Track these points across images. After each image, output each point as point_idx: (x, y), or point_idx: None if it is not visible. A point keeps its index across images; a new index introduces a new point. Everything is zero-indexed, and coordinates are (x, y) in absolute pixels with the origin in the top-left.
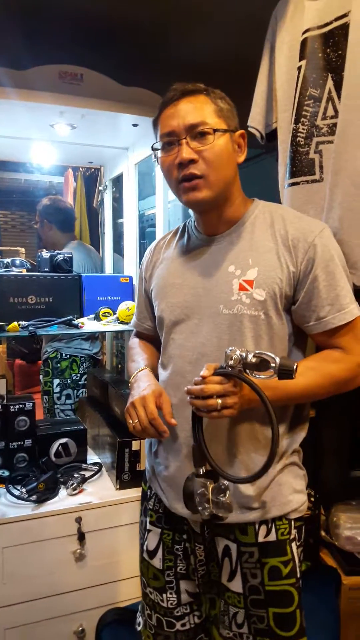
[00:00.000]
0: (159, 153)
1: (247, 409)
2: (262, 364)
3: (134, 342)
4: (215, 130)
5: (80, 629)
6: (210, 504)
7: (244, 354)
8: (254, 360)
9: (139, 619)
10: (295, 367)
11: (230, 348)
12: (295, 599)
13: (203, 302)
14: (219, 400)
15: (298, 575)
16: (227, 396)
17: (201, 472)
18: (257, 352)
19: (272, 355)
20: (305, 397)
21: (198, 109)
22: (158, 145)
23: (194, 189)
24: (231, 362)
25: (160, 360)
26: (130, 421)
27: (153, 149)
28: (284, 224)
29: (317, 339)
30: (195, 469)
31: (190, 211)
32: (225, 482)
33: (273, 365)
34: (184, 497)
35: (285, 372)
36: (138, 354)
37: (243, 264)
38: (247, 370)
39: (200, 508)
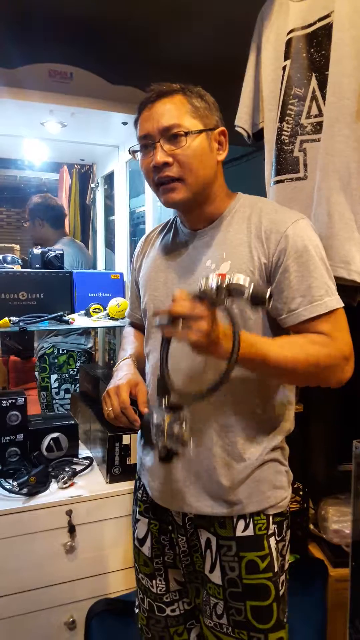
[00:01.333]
0: (137, 155)
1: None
2: (235, 292)
3: (127, 331)
4: (187, 133)
5: (71, 620)
6: (165, 435)
7: (217, 280)
8: (226, 287)
9: (137, 602)
10: (268, 293)
11: (205, 275)
12: (272, 593)
13: None
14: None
15: (276, 569)
16: (195, 320)
17: (163, 405)
18: (231, 277)
19: (246, 283)
20: (282, 367)
21: (172, 111)
22: (136, 148)
23: (171, 191)
24: (204, 288)
25: (144, 352)
26: (105, 408)
27: (131, 151)
28: (260, 216)
29: (294, 331)
30: (157, 399)
31: None
32: (182, 414)
33: (246, 293)
34: (141, 430)
35: (258, 298)
36: (128, 343)
37: (218, 257)
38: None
39: (154, 439)
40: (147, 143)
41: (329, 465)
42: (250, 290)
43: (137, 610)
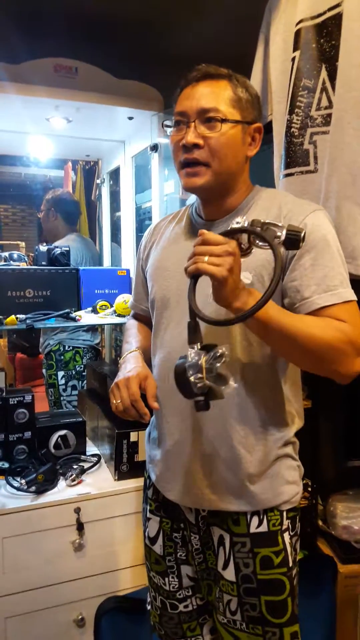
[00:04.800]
0: (169, 130)
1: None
2: (268, 233)
3: (131, 324)
4: (223, 120)
5: (80, 617)
6: (203, 373)
7: (247, 222)
8: (259, 227)
9: (149, 599)
10: (303, 234)
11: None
12: (287, 587)
13: None
14: (206, 258)
15: (290, 564)
16: (220, 256)
17: (196, 348)
18: (262, 221)
19: (279, 224)
20: (291, 337)
21: (214, 94)
22: (169, 123)
23: (195, 175)
24: (235, 226)
25: (152, 344)
26: (114, 401)
27: (164, 125)
28: (279, 206)
29: None
30: (188, 345)
31: (193, 196)
32: (220, 350)
33: (279, 233)
34: (175, 376)
35: (293, 238)
36: (132, 336)
37: None
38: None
39: (192, 380)
40: (181, 120)
41: (337, 461)
42: (285, 231)
43: (149, 607)
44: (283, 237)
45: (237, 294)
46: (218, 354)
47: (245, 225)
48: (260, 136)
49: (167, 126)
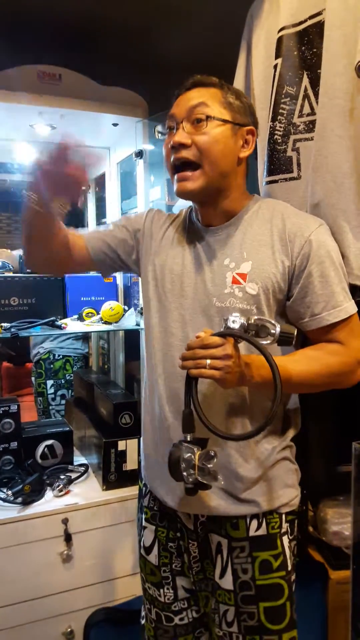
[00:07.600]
0: (163, 137)
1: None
2: (262, 330)
3: None
4: (208, 117)
5: (69, 630)
6: (195, 470)
7: (244, 320)
8: (254, 325)
9: (143, 612)
10: (295, 332)
11: (231, 315)
12: (285, 591)
13: (199, 294)
14: (208, 361)
15: (289, 568)
16: (221, 359)
17: (188, 439)
18: (257, 317)
19: (273, 322)
20: (302, 384)
21: (202, 97)
22: (161, 129)
23: (186, 180)
24: (233, 325)
25: (146, 349)
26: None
27: (158, 132)
28: (282, 219)
29: (312, 335)
30: (183, 434)
31: (180, 203)
32: (213, 452)
33: (273, 331)
34: (169, 463)
35: (286, 337)
36: None
37: (238, 257)
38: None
39: (185, 474)
40: (171, 124)
41: (328, 466)
42: (278, 330)
43: (142, 621)
44: (277, 335)
45: (239, 379)
46: (211, 456)
47: (242, 322)
48: (254, 138)
49: (160, 133)
